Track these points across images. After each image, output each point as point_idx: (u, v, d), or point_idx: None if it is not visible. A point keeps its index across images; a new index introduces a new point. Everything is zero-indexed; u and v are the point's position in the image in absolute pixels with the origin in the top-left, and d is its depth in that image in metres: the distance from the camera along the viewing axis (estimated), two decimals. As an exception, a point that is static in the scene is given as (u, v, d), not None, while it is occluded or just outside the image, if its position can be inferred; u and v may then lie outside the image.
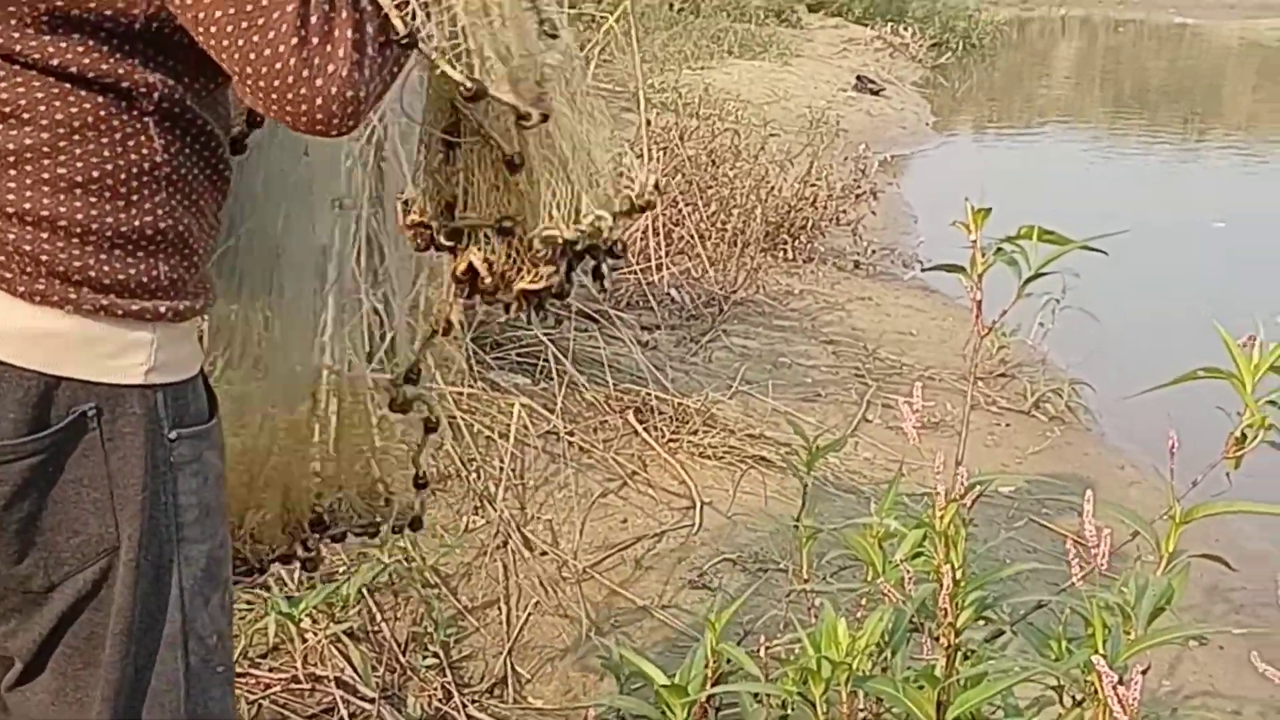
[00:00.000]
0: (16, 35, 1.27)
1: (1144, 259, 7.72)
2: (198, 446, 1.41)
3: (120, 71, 1.30)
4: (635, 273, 5.29)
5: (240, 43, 1.25)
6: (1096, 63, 21.69)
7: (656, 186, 1.62)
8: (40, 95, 1.28)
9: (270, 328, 1.68)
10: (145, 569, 1.37)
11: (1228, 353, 1.78)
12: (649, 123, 5.37)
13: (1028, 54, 21.65)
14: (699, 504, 3.61)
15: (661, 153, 5.99)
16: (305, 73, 1.24)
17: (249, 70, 1.25)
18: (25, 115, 1.28)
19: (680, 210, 5.73)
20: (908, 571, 1.59)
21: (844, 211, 6.85)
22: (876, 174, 7.01)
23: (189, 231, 1.37)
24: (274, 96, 1.25)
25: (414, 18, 1.30)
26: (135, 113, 1.32)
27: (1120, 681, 1.37)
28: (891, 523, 1.79)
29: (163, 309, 1.35)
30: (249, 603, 2.88)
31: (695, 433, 3.97)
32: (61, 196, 1.29)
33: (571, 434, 3.76)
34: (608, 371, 4.10)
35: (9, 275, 1.29)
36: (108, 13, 1.28)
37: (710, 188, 6.08)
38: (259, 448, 1.71)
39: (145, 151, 1.33)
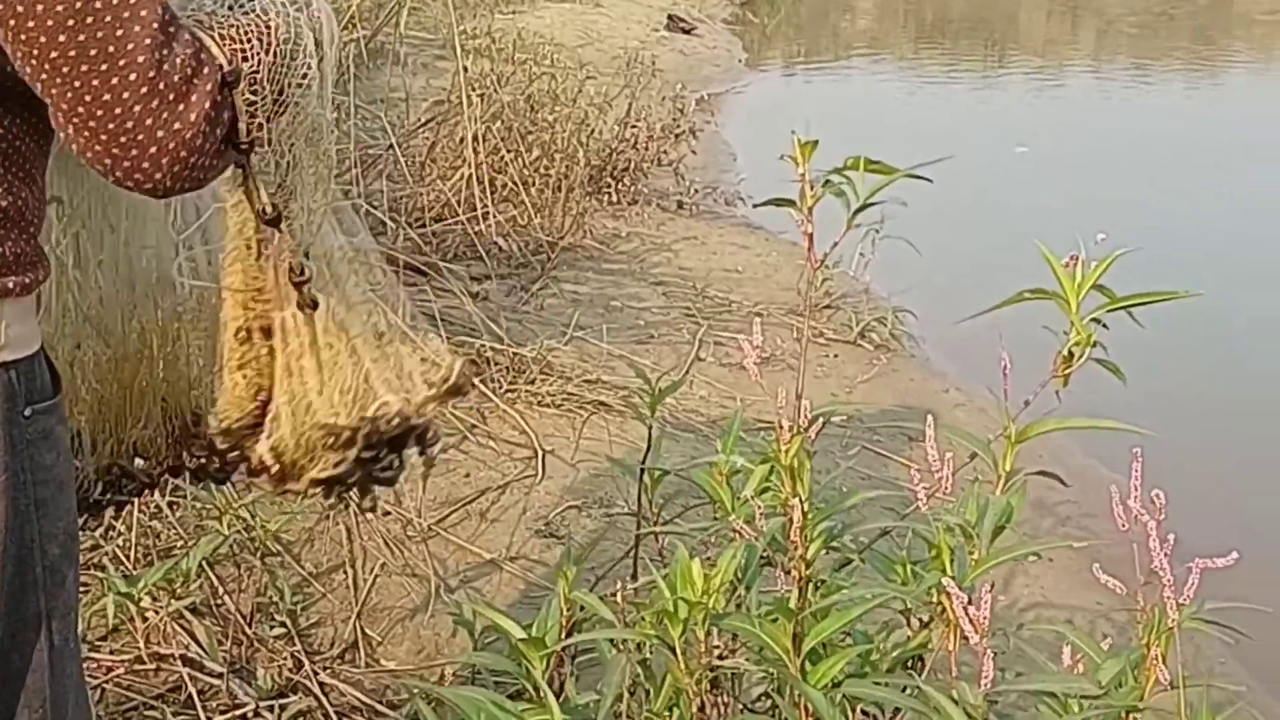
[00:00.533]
0: None
1: (955, 187, 7.90)
2: (48, 421, 1.38)
3: None
4: (461, 223, 5.24)
5: (80, 82, 1.20)
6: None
7: (466, 368, 1.64)
8: None
9: (118, 227, 1.63)
10: (10, 550, 1.35)
11: (1052, 273, 1.83)
12: (465, 70, 5.29)
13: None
14: (541, 453, 3.61)
15: (479, 99, 5.91)
16: (149, 121, 1.21)
17: (83, 109, 1.21)
18: None
19: (502, 158, 5.67)
20: (758, 507, 1.61)
21: (665, 152, 6.87)
22: (694, 113, 7.04)
23: (25, 204, 1.34)
24: (104, 139, 1.22)
25: (261, 129, 1.33)
26: None
27: (970, 602, 1.41)
28: (738, 459, 1.80)
29: (11, 284, 1.32)
30: (85, 584, 2.80)
31: (533, 382, 3.96)
32: None
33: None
34: (440, 325, 4.05)
35: None
36: None
37: (531, 133, 6.03)
38: (129, 354, 1.68)
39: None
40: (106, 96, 1.20)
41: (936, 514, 1.69)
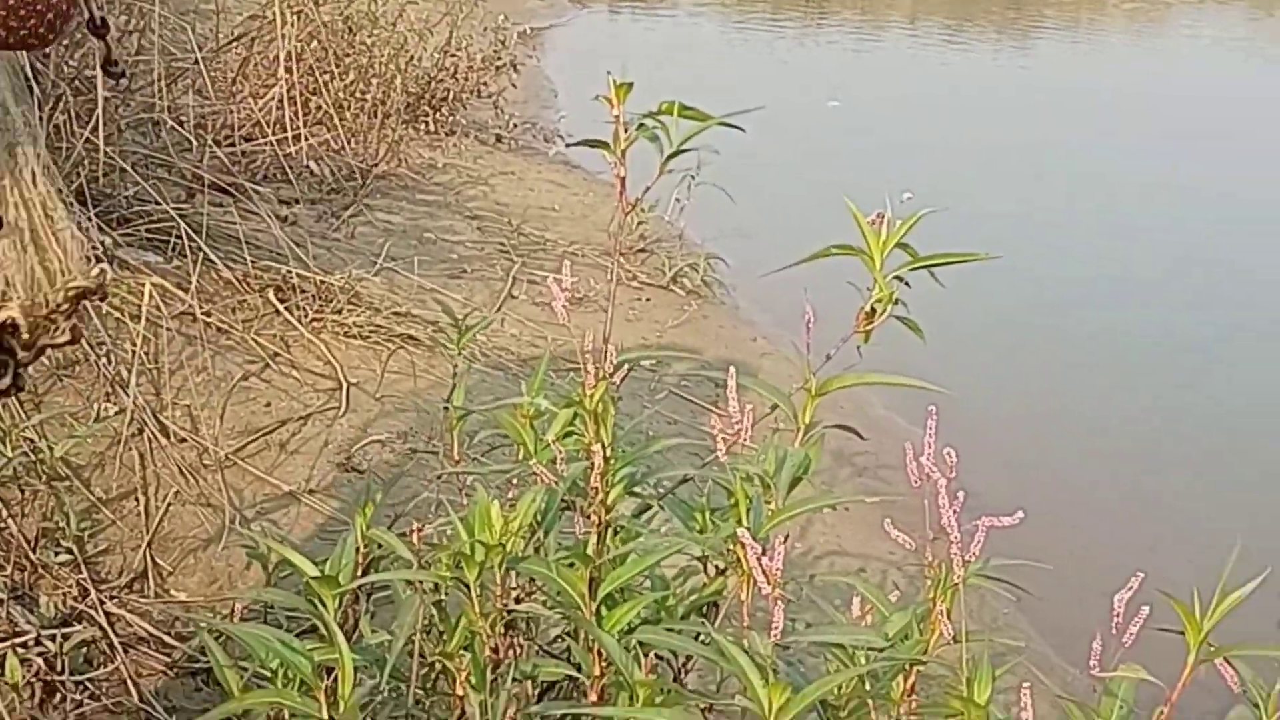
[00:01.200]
0: None
1: (771, 138, 8.02)
2: None
3: None
4: (271, 144, 5.09)
5: None
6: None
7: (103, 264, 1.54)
8: None
9: None
10: None
11: (858, 230, 1.85)
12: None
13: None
14: (345, 385, 3.55)
15: (296, 17, 5.74)
16: None
17: None
18: None
19: (317, 79, 5.52)
20: (559, 451, 1.60)
21: (485, 84, 6.78)
22: (516, 46, 6.95)
23: None
24: None
25: None
26: None
27: (764, 553, 1.43)
28: (542, 402, 1.79)
29: None
30: None
31: (339, 312, 3.88)
32: None
33: (208, 314, 3.60)
34: (245, 249, 3.94)
35: None
36: None
37: (348, 55, 5.88)
38: None
39: None
40: None
41: (735, 463, 1.71)
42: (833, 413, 1.99)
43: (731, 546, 1.60)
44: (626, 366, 1.73)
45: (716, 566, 1.78)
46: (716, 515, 1.80)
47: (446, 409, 2.12)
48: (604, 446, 1.62)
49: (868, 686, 1.54)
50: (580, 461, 1.62)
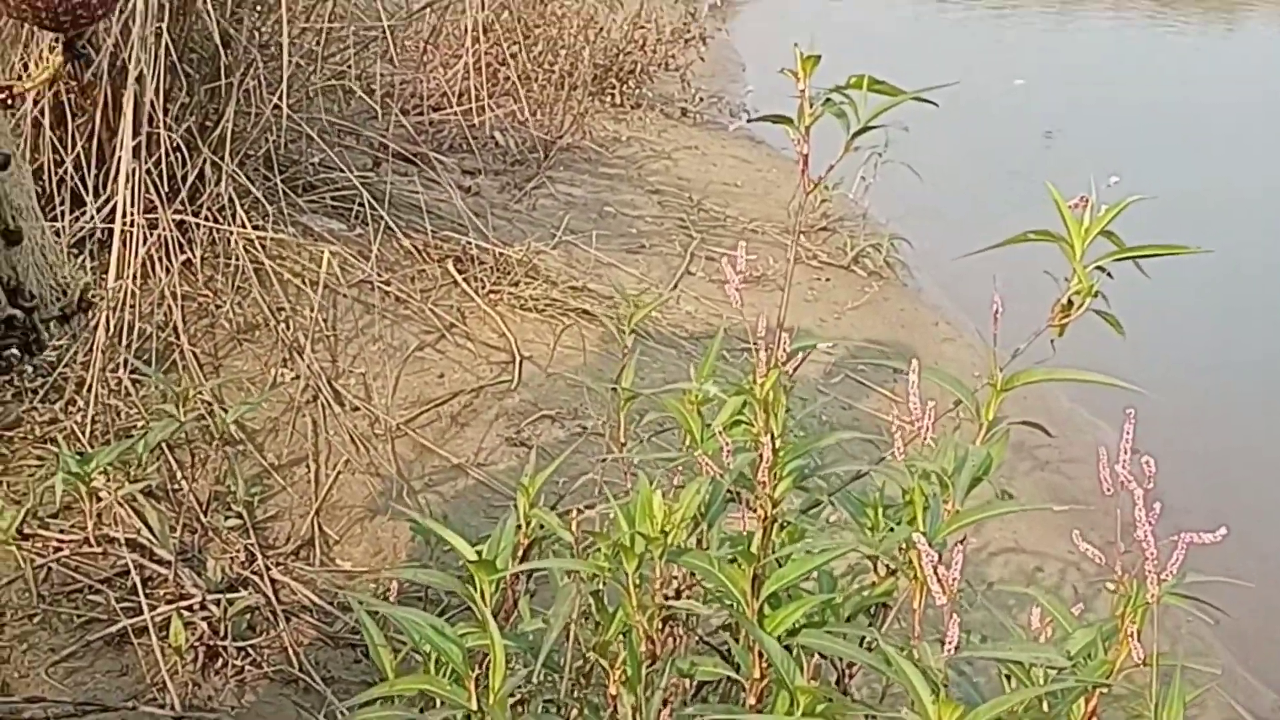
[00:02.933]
0: None
1: (958, 115, 7.77)
2: None
3: None
4: (457, 114, 5.10)
5: None
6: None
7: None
8: None
9: None
10: None
11: (1059, 215, 1.74)
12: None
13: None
14: (518, 359, 3.52)
15: (487, -12, 5.75)
16: None
17: None
18: None
19: (505, 50, 5.52)
20: (725, 443, 1.52)
21: (673, 56, 6.71)
22: (706, 19, 6.86)
23: None
24: None
25: None
26: None
27: (940, 560, 1.34)
28: (711, 388, 1.72)
29: None
30: (39, 459, 2.73)
31: (516, 284, 3.86)
32: None
33: (388, 283, 3.62)
34: (426, 218, 3.95)
35: None
36: None
37: (538, 26, 5.87)
38: None
39: None
40: None
41: (913, 460, 1.62)
42: (1016, 405, 1.88)
43: (905, 550, 1.51)
44: (799, 356, 1.65)
45: (887, 566, 1.69)
46: (889, 513, 1.71)
47: (615, 391, 2.06)
48: (773, 438, 1.54)
49: (1046, 708, 1.44)
50: (748, 452, 1.54)
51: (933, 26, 11.42)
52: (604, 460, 2.21)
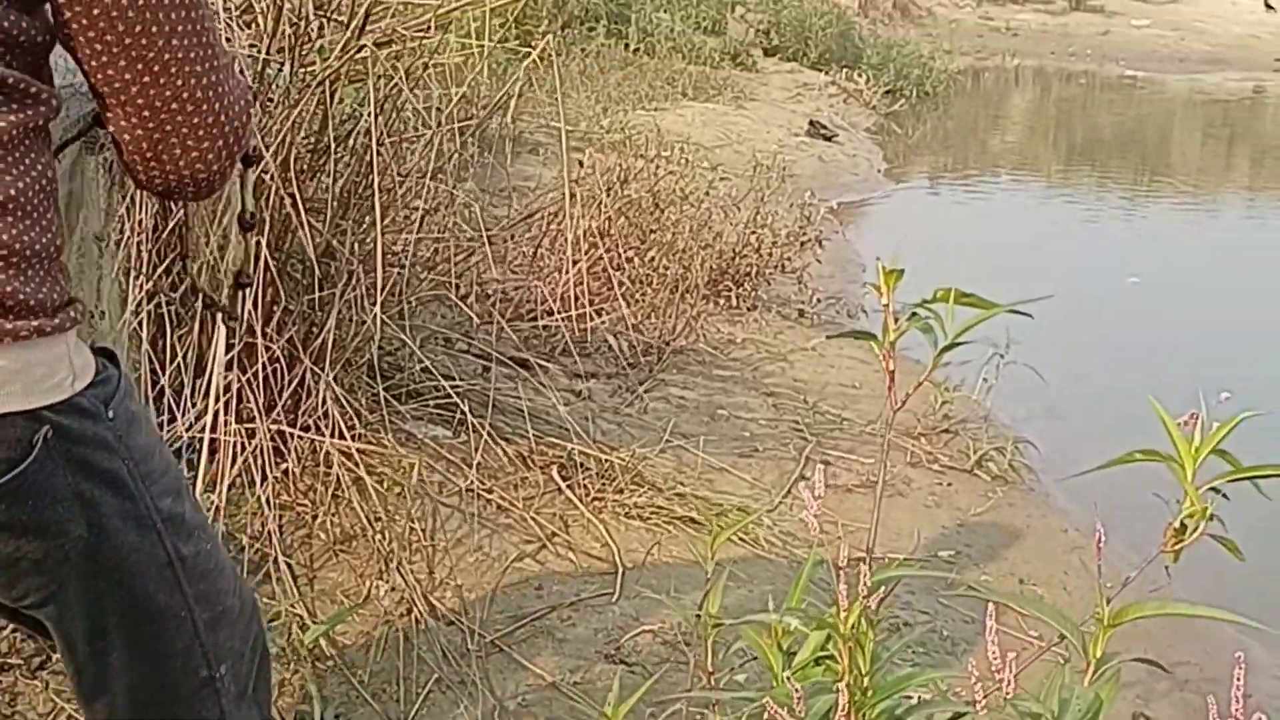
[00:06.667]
0: None
1: (1079, 315, 7.66)
2: (127, 406, 1.49)
3: (28, 88, 1.31)
4: (569, 319, 5.11)
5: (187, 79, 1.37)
6: (1049, 113, 21.77)
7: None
8: None
9: None
10: (130, 528, 1.48)
11: (1166, 433, 1.62)
12: (580, 164, 5.19)
13: (981, 102, 21.72)
14: (621, 570, 3.42)
15: (605, 194, 5.83)
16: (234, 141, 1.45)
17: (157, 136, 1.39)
18: None
19: (620, 254, 5.56)
20: (795, 689, 1.41)
21: (789, 259, 6.70)
22: (823, 221, 6.86)
23: (60, 237, 1.40)
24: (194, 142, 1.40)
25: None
26: (35, 127, 1.33)
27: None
28: (792, 621, 1.61)
29: (73, 313, 1.39)
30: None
31: (621, 491, 3.78)
32: None
33: (490, 490, 3.57)
34: (530, 423, 3.91)
35: None
36: (18, 31, 1.30)
37: (654, 231, 5.91)
38: None
39: (40, 167, 1.33)
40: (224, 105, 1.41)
41: (1017, 700, 1.48)
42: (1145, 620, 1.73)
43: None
44: (881, 591, 1.53)
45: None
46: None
47: (698, 617, 1.96)
48: (859, 676, 1.42)
49: None
50: (827, 695, 1.42)
51: (1052, 225, 11.32)
52: (689, 692, 2.09)
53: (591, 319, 5.11)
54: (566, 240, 4.60)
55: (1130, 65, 26.35)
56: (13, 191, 1.28)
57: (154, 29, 1.30)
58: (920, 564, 4.13)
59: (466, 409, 3.60)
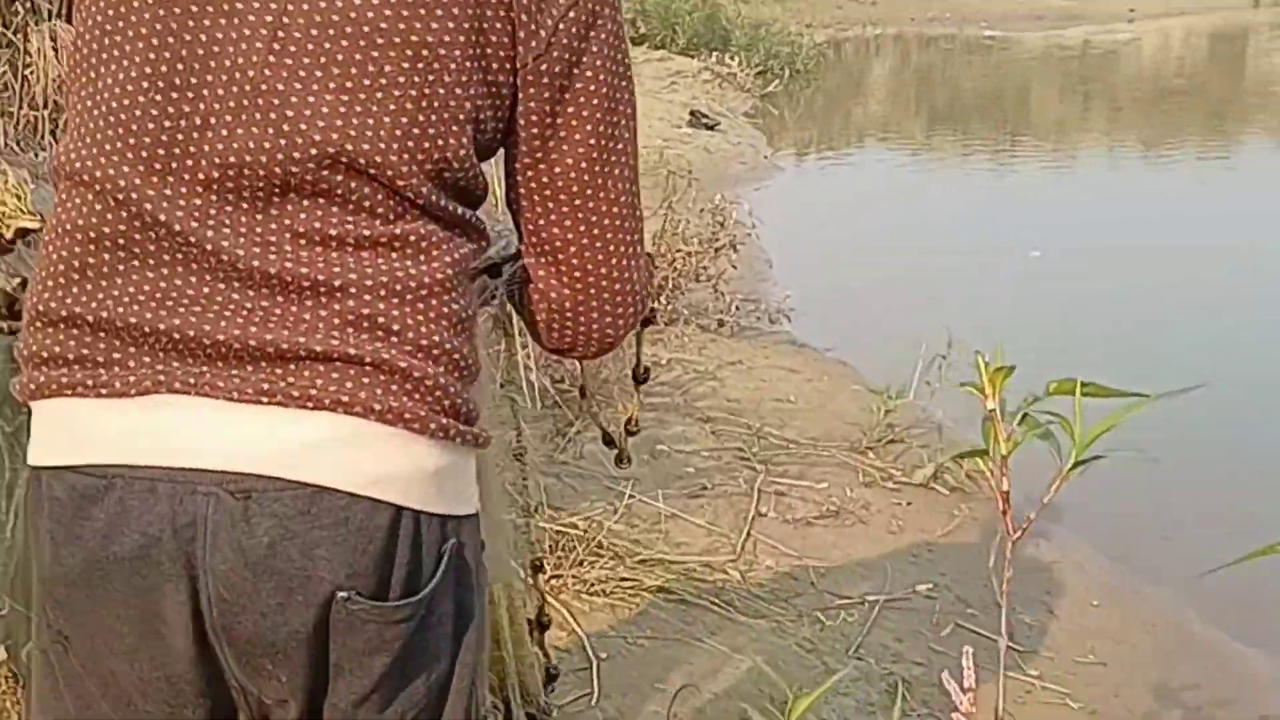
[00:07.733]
0: (416, 182, 1.27)
1: (985, 294, 7.46)
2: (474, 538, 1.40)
3: (482, 229, 1.36)
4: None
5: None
6: (912, 80, 21.81)
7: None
8: (442, 235, 1.31)
9: None
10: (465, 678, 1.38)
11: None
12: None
13: (850, 76, 21.66)
14: (595, 662, 3.06)
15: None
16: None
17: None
18: (434, 252, 1.30)
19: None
20: None
21: (704, 267, 6.37)
22: (734, 225, 6.52)
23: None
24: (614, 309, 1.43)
25: None
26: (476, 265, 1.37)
27: None
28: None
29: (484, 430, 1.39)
30: None
31: (580, 564, 3.41)
32: (450, 332, 1.29)
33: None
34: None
35: (421, 414, 1.26)
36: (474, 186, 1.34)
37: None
38: None
39: (471, 298, 1.36)
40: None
41: None
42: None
43: None
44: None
45: None
46: None
47: None
48: None
49: None
50: None
51: (929, 193, 11.17)
52: None
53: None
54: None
55: (990, 26, 26.55)
56: (465, 315, 1.31)
57: (602, 193, 1.36)
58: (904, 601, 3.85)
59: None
